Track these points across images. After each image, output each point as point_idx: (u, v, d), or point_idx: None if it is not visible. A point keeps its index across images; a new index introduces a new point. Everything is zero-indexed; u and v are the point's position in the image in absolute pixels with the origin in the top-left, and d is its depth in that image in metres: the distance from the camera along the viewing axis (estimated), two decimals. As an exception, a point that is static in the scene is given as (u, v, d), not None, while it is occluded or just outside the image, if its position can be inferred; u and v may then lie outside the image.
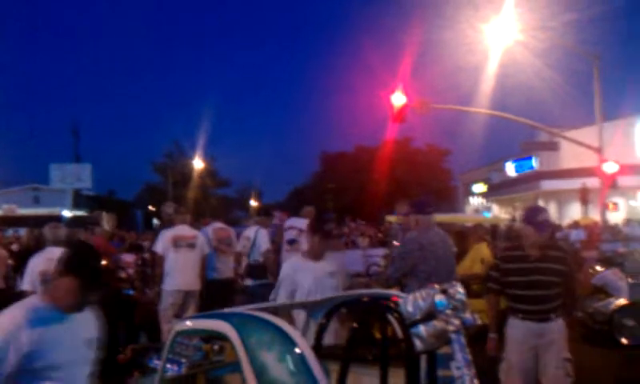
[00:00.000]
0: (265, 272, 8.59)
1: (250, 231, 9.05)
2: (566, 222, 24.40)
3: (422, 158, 45.70)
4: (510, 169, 38.08)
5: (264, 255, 8.72)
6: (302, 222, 8.44)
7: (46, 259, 6.07)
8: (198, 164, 39.16)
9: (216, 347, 4.55)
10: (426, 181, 43.74)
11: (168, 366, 4.25)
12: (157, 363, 4.45)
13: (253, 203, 40.94)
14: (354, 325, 3.65)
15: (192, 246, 8.16)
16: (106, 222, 9.17)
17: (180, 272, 7.99)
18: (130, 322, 8.30)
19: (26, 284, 6.28)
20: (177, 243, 8.10)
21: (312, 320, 4.49)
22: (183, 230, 8.30)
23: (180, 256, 8.04)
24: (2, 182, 33.95)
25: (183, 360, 4.39)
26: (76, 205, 31.97)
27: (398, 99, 17.75)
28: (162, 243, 8.12)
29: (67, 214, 25.15)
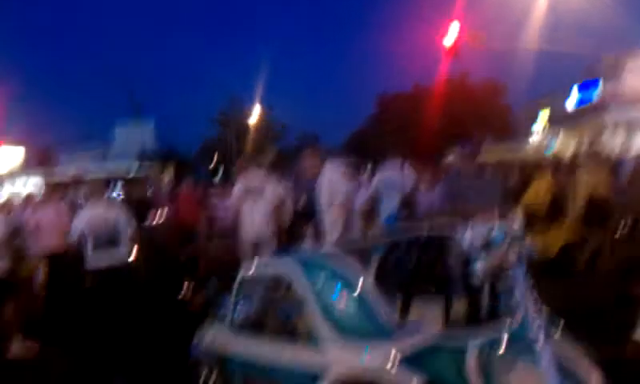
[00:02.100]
0: None
1: None
2: (635, 151, 23.50)
3: (479, 95, 44.51)
4: (575, 95, 36.59)
5: None
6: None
7: (90, 214, 7.20)
8: (255, 115, 39.37)
9: (282, 289, 4.70)
10: (484, 117, 42.70)
11: (237, 310, 4.45)
12: (227, 308, 4.65)
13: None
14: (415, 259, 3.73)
15: (260, 194, 8.36)
16: (167, 178, 9.61)
17: (249, 220, 8.25)
18: (195, 274, 8.65)
19: (73, 236, 7.21)
20: (247, 193, 8.37)
21: (374, 256, 4.58)
22: (254, 180, 8.53)
23: (250, 206, 8.28)
24: (69, 144, 35.21)
25: (252, 304, 4.58)
26: (141, 162, 32.88)
27: (452, 34, 17.35)
28: (235, 195, 8.44)
29: (135, 173, 25.91)
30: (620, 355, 3.05)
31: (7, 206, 8.65)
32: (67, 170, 21.70)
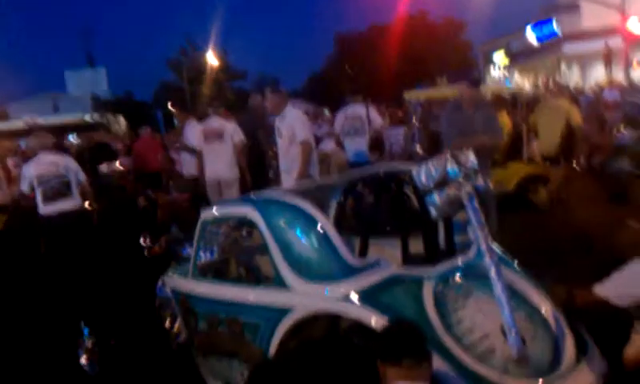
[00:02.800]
0: None
1: None
2: (590, 84, 23.88)
3: (438, 32, 44.39)
4: (530, 34, 36.87)
5: None
6: None
7: (39, 164, 7.06)
8: (211, 58, 38.62)
9: (244, 231, 4.75)
10: (444, 55, 42.71)
11: (200, 253, 4.48)
12: (190, 252, 4.68)
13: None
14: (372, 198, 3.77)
15: (220, 137, 8.36)
16: (121, 124, 9.54)
17: (211, 163, 8.34)
18: (154, 220, 8.64)
19: (23, 187, 7.15)
20: (207, 136, 8.40)
21: (333, 198, 4.63)
22: (213, 122, 8.55)
23: (211, 148, 8.37)
24: (19, 92, 34.15)
25: (214, 246, 4.61)
26: (95, 110, 32.12)
27: None
28: (196, 138, 8.59)
29: (88, 119, 25.30)
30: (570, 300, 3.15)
31: None
32: (18, 121, 21.08)
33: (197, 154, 8.59)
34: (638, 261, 3.04)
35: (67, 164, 7.27)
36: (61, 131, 15.50)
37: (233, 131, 8.51)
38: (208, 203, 7.98)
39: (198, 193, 8.52)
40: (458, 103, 6.27)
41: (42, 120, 19.49)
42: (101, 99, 35.38)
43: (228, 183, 8.32)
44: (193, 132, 8.90)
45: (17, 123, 19.82)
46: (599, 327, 3.19)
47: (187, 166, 9.28)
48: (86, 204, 7.48)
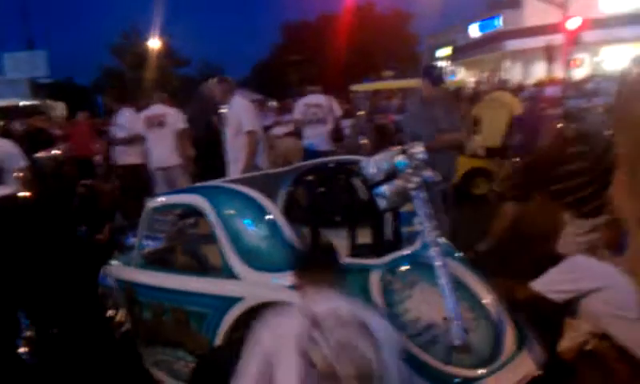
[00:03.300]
0: None
1: None
2: (531, 80, 24.54)
3: (386, 24, 44.69)
4: (474, 30, 37.69)
5: None
6: None
7: None
8: (154, 44, 37.85)
9: (190, 220, 4.70)
10: (391, 47, 43.08)
11: (144, 242, 4.41)
12: (134, 241, 4.60)
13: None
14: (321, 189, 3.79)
15: (162, 124, 8.24)
16: (60, 109, 9.27)
17: (154, 150, 8.23)
18: (95, 208, 8.47)
19: None
20: (149, 123, 8.28)
21: (282, 188, 4.64)
22: (155, 109, 8.43)
23: (153, 135, 8.25)
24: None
25: (159, 235, 4.55)
26: (34, 94, 31.03)
27: None
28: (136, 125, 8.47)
29: (24, 104, 24.47)
30: (510, 294, 3.26)
31: None
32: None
33: (138, 140, 8.44)
34: (572, 259, 3.19)
35: (2, 149, 6.95)
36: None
37: (175, 118, 8.42)
38: (149, 191, 7.90)
39: (139, 181, 8.38)
40: (421, 99, 6.24)
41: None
42: (39, 83, 34.21)
43: (171, 170, 8.24)
44: (124, 120, 8.74)
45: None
46: (536, 320, 3.30)
47: (120, 154, 9.07)
48: (22, 192, 7.17)
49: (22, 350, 4.43)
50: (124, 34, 42.32)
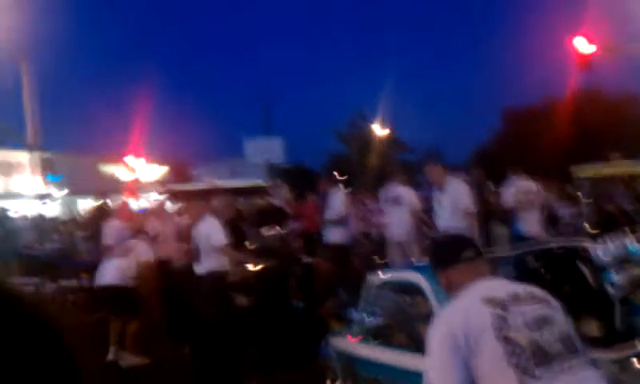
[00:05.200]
0: None
1: None
2: None
3: (612, 106, 41.83)
4: None
5: None
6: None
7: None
8: (379, 131, 39.62)
9: (410, 298, 4.79)
10: (618, 129, 40.15)
11: (365, 316, 4.60)
12: (355, 315, 4.81)
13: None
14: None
15: (398, 201, 9.00)
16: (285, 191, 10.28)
17: (392, 225, 9.05)
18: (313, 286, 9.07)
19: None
20: (387, 201, 9.27)
21: (502, 268, 4.56)
22: (393, 189, 9.32)
23: (391, 211, 9.11)
24: (203, 157, 37.21)
25: (379, 311, 4.70)
26: (271, 176, 34.03)
27: (582, 45, 16.11)
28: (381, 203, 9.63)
29: (263, 184, 26.90)
30: None
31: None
32: (200, 184, 22.85)
33: (345, 221, 9.42)
34: None
35: (204, 228, 7.08)
36: (236, 194, 16.60)
37: (410, 197, 9.07)
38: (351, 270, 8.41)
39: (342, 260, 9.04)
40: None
41: (220, 183, 21.00)
42: (276, 166, 37.52)
43: (404, 244, 8.81)
44: (336, 200, 9.53)
45: (199, 185, 21.51)
46: None
47: (328, 233, 9.64)
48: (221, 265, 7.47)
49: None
50: (350, 122, 44.91)
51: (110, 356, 7.34)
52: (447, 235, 2.81)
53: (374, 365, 4.18)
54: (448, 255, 2.62)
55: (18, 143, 21.31)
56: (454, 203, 6.78)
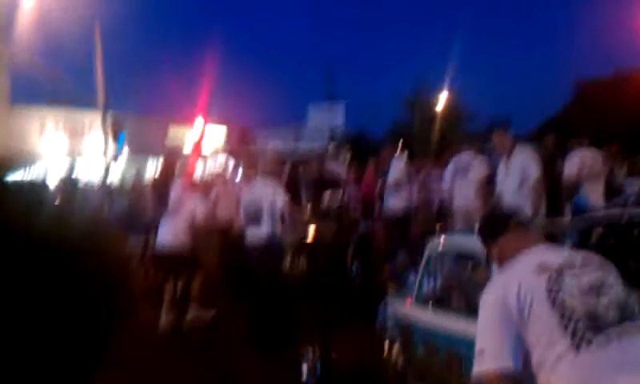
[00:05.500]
0: None
1: None
2: None
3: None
4: None
5: None
6: None
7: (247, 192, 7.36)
8: (443, 98, 38.87)
9: (470, 266, 4.74)
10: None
11: (424, 281, 4.59)
12: (413, 279, 4.81)
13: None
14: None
15: (466, 170, 8.72)
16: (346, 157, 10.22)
17: (458, 194, 8.70)
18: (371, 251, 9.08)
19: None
20: (457, 171, 8.82)
21: (566, 240, 4.45)
22: (464, 157, 8.95)
23: (459, 180, 8.75)
24: (266, 124, 37.42)
25: (439, 276, 4.68)
26: (332, 142, 33.99)
27: None
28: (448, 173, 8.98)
29: (324, 149, 26.92)
30: None
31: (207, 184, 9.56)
32: (263, 148, 23.01)
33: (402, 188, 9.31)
34: None
35: (264, 194, 7.17)
36: (297, 158, 16.69)
37: (480, 166, 8.73)
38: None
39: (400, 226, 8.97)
40: None
41: (283, 146, 21.10)
42: (337, 132, 37.45)
43: (471, 213, 8.56)
44: (397, 167, 9.56)
45: (263, 149, 21.63)
46: None
47: (391, 200, 9.64)
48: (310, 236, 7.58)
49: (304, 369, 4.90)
50: (416, 90, 44.23)
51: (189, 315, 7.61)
52: (494, 207, 2.75)
53: (431, 330, 4.18)
54: (496, 226, 2.59)
55: (88, 104, 21.89)
56: (522, 173, 6.60)
